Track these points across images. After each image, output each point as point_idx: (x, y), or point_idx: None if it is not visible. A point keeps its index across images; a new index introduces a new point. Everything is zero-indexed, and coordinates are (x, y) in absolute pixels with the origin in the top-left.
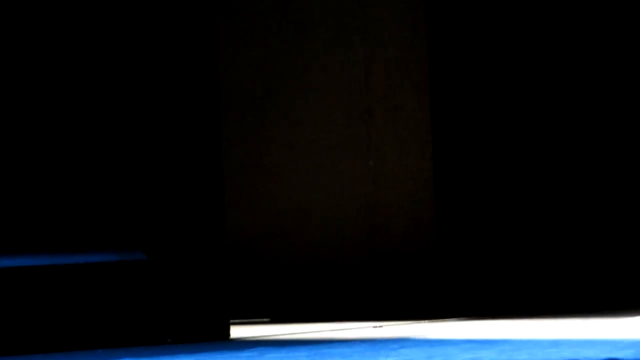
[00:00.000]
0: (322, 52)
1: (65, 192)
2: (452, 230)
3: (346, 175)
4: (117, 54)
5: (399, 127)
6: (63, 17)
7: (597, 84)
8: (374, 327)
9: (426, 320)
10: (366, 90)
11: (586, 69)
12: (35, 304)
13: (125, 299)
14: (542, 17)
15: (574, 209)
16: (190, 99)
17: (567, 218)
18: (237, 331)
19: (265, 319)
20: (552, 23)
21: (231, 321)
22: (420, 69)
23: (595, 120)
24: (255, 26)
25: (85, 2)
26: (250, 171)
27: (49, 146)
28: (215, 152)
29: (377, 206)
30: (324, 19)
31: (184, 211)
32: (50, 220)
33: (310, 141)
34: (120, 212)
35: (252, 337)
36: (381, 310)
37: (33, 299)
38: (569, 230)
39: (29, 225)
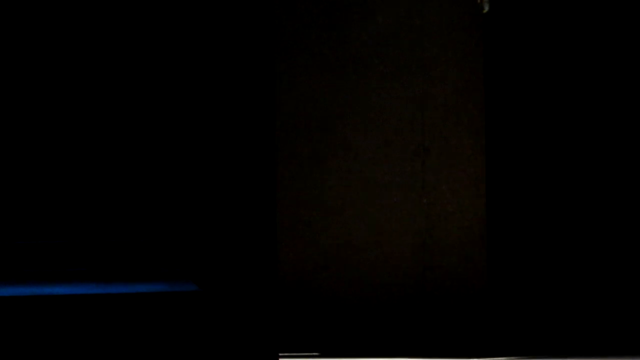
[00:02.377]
0: (380, 87)
1: (118, 221)
2: (505, 269)
3: (400, 212)
4: (168, 86)
5: (453, 165)
6: (121, 36)
7: None
8: None
9: (476, 359)
10: (422, 128)
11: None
12: (83, 333)
13: (174, 330)
14: (595, 59)
15: (632, 250)
16: (245, 130)
17: (624, 257)
18: None
19: (314, 354)
20: (604, 64)
21: (280, 354)
22: (477, 108)
23: None
24: (313, 59)
25: (148, 29)
26: (305, 205)
27: (103, 174)
28: (269, 184)
29: (430, 244)
30: (383, 54)
31: (236, 243)
32: (102, 248)
33: (365, 176)
34: (173, 243)
35: None
36: (432, 348)
37: (82, 328)
38: (626, 271)
39: (79, 253)
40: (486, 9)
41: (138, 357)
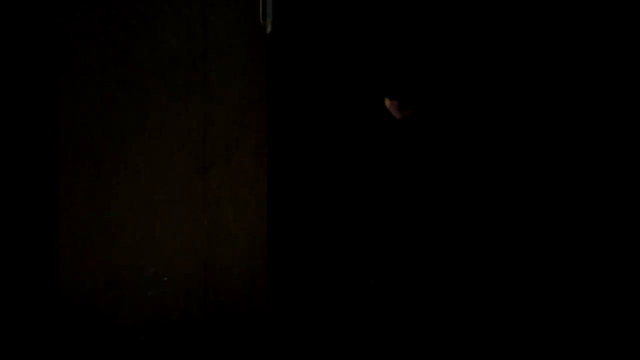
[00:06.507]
0: (162, 106)
1: None
2: (285, 289)
3: (182, 232)
4: None
5: (236, 185)
6: None
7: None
8: None
9: None
10: (204, 148)
11: None
12: None
13: None
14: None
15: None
16: (25, 148)
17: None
18: None
19: None
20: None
21: None
22: (260, 127)
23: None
24: (95, 77)
25: None
26: (88, 225)
27: None
28: (49, 203)
29: (212, 264)
30: (165, 72)
31: (15, 264)
32: None
33: (147, 195)
34: None
35: None
36: None
37: None
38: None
39: None
40: (269, 29)
41: None
